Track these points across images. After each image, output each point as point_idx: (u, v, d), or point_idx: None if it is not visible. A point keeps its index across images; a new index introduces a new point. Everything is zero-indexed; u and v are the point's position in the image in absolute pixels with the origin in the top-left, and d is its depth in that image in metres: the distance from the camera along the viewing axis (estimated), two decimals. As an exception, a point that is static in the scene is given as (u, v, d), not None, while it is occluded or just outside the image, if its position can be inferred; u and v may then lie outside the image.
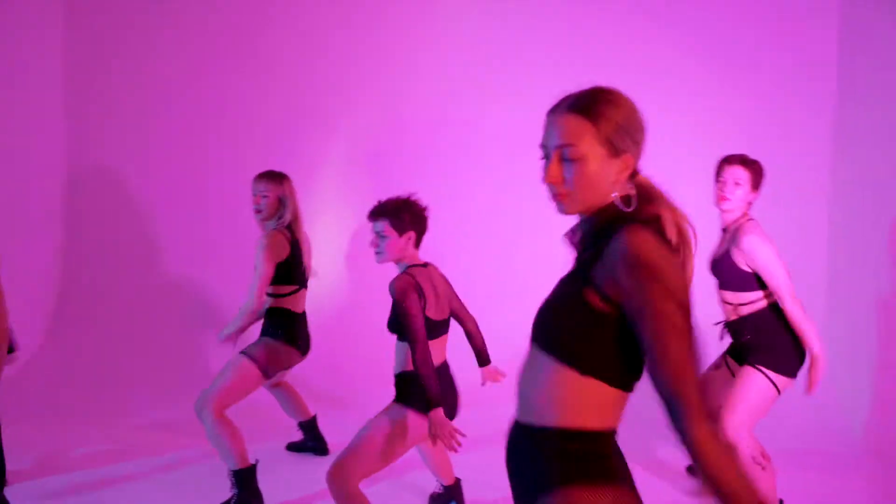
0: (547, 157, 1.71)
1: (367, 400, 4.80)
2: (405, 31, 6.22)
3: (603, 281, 1.59)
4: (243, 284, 4.36)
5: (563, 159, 1.68)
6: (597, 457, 1.65)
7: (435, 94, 6.19)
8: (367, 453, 3.13)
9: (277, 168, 4.30)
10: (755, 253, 3.40)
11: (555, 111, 1.71)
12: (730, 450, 1.57)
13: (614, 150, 1.67)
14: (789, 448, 4.54)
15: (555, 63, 6.01)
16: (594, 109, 1.67)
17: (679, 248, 1.64)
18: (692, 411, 1.50)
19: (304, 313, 4.30)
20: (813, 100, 5.70)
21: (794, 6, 5.76)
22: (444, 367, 3.37)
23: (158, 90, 6.41)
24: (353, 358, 5.48)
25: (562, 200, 1.70)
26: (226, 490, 3.95)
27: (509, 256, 6.14)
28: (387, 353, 3.50)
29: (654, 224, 1.64)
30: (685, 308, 1.55)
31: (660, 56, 5.91)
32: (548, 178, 1.69)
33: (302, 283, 4.24)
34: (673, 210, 1.68)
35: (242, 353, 4.08)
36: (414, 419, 3.21)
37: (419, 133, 6.22)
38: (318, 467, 4.41)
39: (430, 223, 3.40)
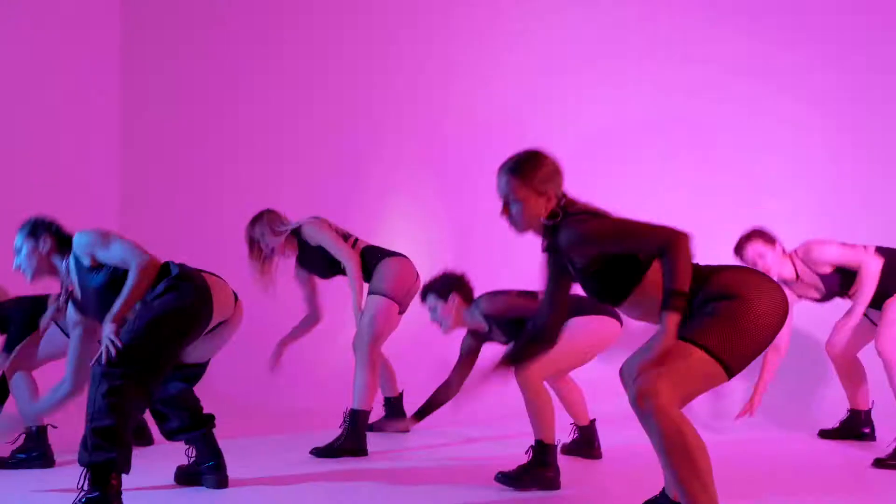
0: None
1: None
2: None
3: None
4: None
5: (507, 203, 2.60)
6: None
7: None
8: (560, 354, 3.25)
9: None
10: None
11: (498, 172, 2.61)
12: None
13: (538, 192, 2.54)
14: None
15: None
16: (520, 169, 2.56)
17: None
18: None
19: None
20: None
21: None
22: None
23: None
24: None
25: (514, 227, 2.63)
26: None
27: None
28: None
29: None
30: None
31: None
32: (503, 216, 2.62)
33: None
34: (587, 207, 2.57)
35: None
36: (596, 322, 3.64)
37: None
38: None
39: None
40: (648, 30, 5.91)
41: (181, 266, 3.10)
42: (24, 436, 3.82)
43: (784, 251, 4.23)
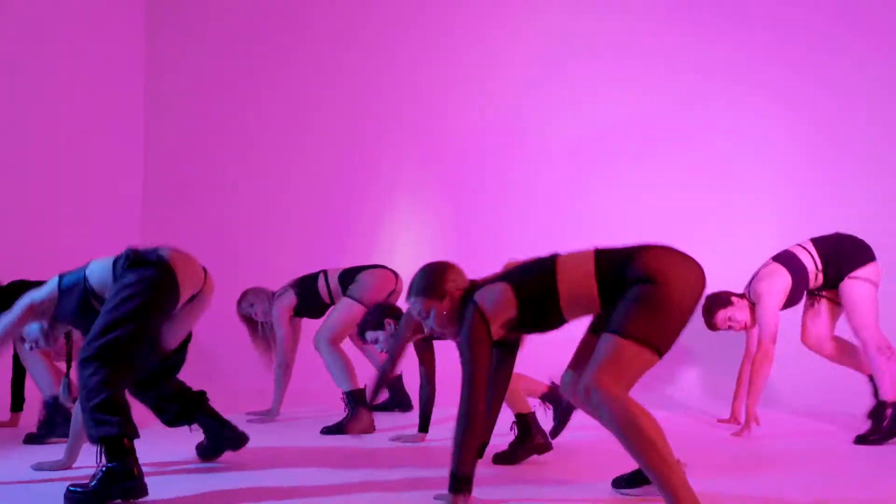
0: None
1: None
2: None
3: None
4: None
5: (425, 320, 2.89)
6: None
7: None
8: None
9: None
10: None
11: (406, 302, 2.94)
12: None
13: (440, 297, 2.82)
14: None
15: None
16: (416, 288, 2.86)
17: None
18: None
19: None
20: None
21: None
22: None
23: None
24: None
25: (444, 336, 3.01)
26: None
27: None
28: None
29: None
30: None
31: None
32: (427, 332, 2.99)
33: None
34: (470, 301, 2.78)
35: None
36: None
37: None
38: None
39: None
40: (649, 35, 6.06)
41: (135, 252, 3.12)
42: (44, 410, 4.03)
43: (742, 299, 4.30)
